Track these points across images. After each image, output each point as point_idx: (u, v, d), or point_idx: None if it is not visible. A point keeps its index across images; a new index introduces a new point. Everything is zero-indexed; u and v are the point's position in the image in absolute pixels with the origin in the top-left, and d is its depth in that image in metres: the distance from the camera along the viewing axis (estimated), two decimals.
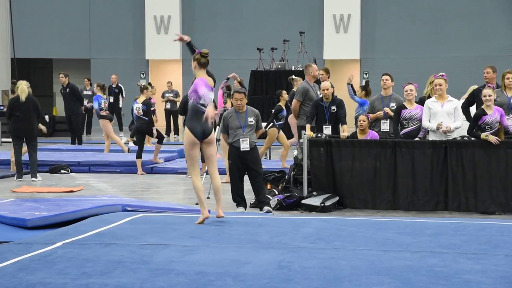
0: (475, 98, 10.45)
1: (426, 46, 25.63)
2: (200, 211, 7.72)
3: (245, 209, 9.16)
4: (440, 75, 9.75)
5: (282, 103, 13.81)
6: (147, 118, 13.49)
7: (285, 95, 14.53)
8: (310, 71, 11.50)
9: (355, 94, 12.46)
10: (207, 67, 7.78)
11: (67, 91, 17.35)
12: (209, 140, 7.64)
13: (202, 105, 7.56)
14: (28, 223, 7.72)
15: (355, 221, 8.16)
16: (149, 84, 20.22)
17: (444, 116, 9.49)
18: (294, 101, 11.46)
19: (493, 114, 9.20)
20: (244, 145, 9.04)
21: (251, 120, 9.10)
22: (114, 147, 16.30)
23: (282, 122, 13.60)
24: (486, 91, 9.26)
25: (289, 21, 26.04)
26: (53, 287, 5.16)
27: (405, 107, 9.85)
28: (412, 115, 9.77)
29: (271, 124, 13.35)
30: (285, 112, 14.23)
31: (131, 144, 18.91)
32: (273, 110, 15.16)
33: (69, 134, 21.22)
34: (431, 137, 9.58)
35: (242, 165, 9.11)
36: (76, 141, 17.92)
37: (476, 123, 9.27)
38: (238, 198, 9.17)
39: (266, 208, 9.06)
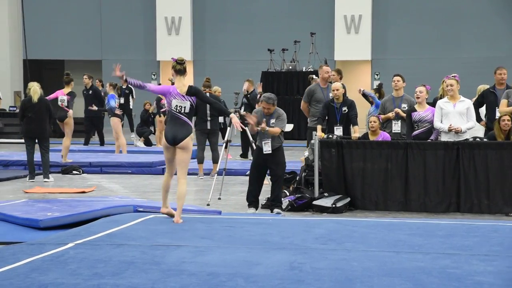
0: (484, 99, 10.43)
1: (437, 47, 25.55)
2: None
3: (256, 210, 9.15)
4: (452, 76, 9.72)
5: None
6: None
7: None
8: (319, 72, 11.49)
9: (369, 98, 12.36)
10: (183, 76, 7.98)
11: (90, 92, 17.36)
12: (181, 146, 7.71)
13: (177, 111, 7.71)
14: (40, 223, 7.75)
15: (366, 222, 8.14)
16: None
17: (456, 117, 9.45)
18: (302, 102, 11.45)
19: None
20: (266, 148, 9.03)
21: (273, 122, 9.07)
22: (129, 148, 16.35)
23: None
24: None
25: (300, 22, 26.02)
26: None
27: (415, 110, 9.84)
28: (422, 118, 9.75)
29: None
30: None
31: (141, 144, 18.99)
32: None
33: (82, 135, 21.28)
34: (443, 138, 9.55)
35: (263, 165, 9.12)
36: (99, 142, 18.08)
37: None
38: (252, 199, 9.17)
39: (276, 210, 9.06)
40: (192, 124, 7.80)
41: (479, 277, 5.55)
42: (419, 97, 9.81)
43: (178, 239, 6.91)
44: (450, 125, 9.38)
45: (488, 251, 6.51)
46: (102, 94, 18.26)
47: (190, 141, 7.72)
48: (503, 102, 9.79)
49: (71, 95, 14.54)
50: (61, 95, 14.54)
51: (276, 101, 9.14)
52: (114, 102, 15.84)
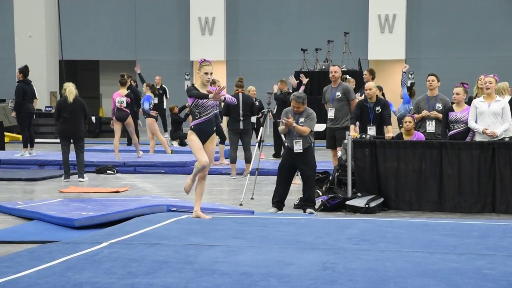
0: None
1: (472, 46, 25.28)
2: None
3: (278, 211, 9.09)
4: (491, 75, 9.60)
5: None
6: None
7: (352, 82, 14.73)
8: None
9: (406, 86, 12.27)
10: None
11: (128, 92, 17.48)
12: None
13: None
14: (75, 223, 7.84)
15: (400, 223, 8.08)
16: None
17: (490, 117, 9.34)
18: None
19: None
20: (297, 147, 9.00)
21: (302, 121, 9.05)
22: (158, 148, 16.46)
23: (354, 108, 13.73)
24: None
25: (334, 21, 25.94)
26: (99, 287, 5.22)
27: (452, 110, 9.74)
28: (458, 118, 9.65)
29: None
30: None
31: (176, 144, 19.08)
32: None
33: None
34: (478, 137, 9.44)
35: (291, 166, 9.09)
36: (127, 142, 18.12)
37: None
38: (277, 198, 9.13)
39: (308, 210, 9.04)
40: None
41: None
42: (456, 99, 9.71)
43: (211, 239, 6.94)
44: (486, 129, 9.26)
45: None
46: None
47: (188, 137, 7.92)
48: None
49: (130, 96, 14.73)
50: (118, 96, 14.72)
51: (305, 100, 9.12)
52: (148, 104, 15.91)
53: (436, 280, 5.43)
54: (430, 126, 10.30)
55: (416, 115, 10.31)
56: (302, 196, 9.31)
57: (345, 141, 9.89)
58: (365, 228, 7.67)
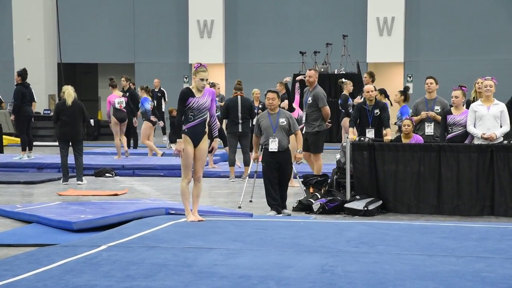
0: None
1: (471, 49, 25.31)
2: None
3: (277, 213, 9.07)
4: (489, 78, 9.60)
5: (346, 92, 14.50)
6: None
7: (349, 85, 14.86)
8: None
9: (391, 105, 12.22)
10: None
11: (127, 95, 17.50)
12: None
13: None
14: (74, 225, 7.84)
15: (399, 225, 8.09)
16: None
17: (490, 119, 9.35)
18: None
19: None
20: (272, 146, 8.99)
21: (282, 121, 9.04)
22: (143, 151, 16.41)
23: (349, 110, 13.82)
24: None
25: (332, 24, 25.97)
26: None
27: (450, 113, 9.75)
28: (456, 121, 9.66)
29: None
30: (351, 100, 14.35)
31: (174, 147, 19.07)
32: (340, 101, 15.28)
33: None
34: (477, 140, 9.45)
35: (275, 167, 9.04)
36: (132, 145, 18.12)
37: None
38: (272, 202, 9.09)
39: (285, 211, 9.11)
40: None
41: None
42: (454, 102, 9.72)
43: (210, 242, 6.94)
44: (483, 134, 9.27)
45: None
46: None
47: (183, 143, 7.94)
48: None
49: (126, 96, 15.00)
50: (117, 98, 14.93)
51: (279, 94, 9.26)
52: (148, 105, 15.93)
53: (434, 283, 5.43)
54: (429, 129, 10.31)
55: (414, 118, 10.32)
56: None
57: (344, 143, 9.89)
58: (364, 231, 7.67)
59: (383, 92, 15.46)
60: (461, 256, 6.34)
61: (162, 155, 15.80)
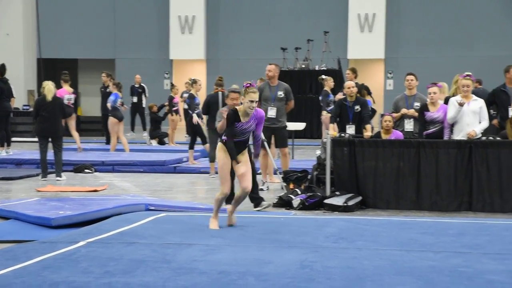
0: (496, 98, 10.40)
1: (451, 45, 25.46)
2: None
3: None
4: (466, 75, 9.67)
5: (327, 88, 14.62)
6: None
7: (330, 81, 14.97)
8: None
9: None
10: None
11: (107, 91, 17.41)
12: None
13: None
14: (52, 222, 7.81)
15: (378, 221, 8.14)
16: (172, 84, 20.32)
17: (470, 115, 9.43)
18: None
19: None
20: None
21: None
22: (135, 147, 16.40)
23: (330, 106, 13.87)
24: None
25: (313, 20, 26.01)
26: (76, 286, 5.21)
27: (427, 109, 9.80)
28: (434, 118, 9.72)
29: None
30: (332, 96, 14.40)
31: (155, 143, 19.04)
32: (320, 97, 15.35)
33: (97, 134, 21.38)
34: (456, 136, 9.52)
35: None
36: (106, 141, 18.04)
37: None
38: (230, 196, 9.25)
39: (265, 203, 9.22)
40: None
41: (490, 275, 5.54)
42: (433, 98, 9.76)
43: (189, 238, 6.94)
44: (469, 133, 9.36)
45: (500, 249, 6.50)
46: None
47: (217, 151, 7.49)
48: None
49: (76, 93, 14.99)
50: (67, 94, 14.94)
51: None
52: (115, 100, 15.79)
53: (412, 278, 5.48)
54: (409, 125, 10.37)
55: (394, 114, 10.38)
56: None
57: (324, 139, 9.91)
58: (343, 226, 7.71)
59: (365, 88, 15.60)
60: (438, 252, 6.40)
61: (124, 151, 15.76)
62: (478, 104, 9.49)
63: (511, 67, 10.57)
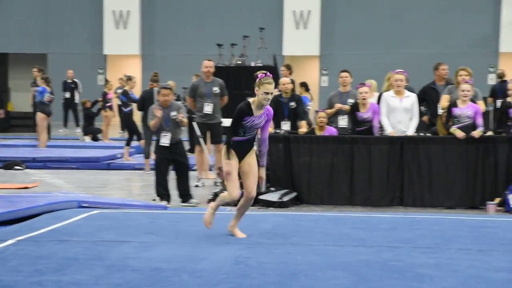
0: (426, 95, 10.62)
1: (385, 43, 25.87)
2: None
3: (169, 203, 9.27)
4: (399, 71, 9.83)
5: None
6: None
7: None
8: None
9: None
10: None
11: (37, 86, 17.04)
12: None
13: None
14: None
15: (312, 217, 8.21)
16: (106, 80, 20.06)
17: (402, 112, 9.60)
18: (187, 98, 11.64)
19: (465, 108, 9.30)
20: (164, 140, 9.30)
21: (173, 114, 9.34)
22: (70, 143, 16.13)
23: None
24: (464, 86, 9.34)
25: (249, 17, 26.04)
26: (5, 285, 5.09)
27: (358, 109, 9.92)
28: (364, 119, 9.85)
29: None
30: None
31: (88, 139, 18.76)
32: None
33: (28, 130, 20.92)
34: (387, 125, 9.68)
35: (168, 160, 9.35)
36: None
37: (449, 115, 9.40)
38: (163, 192, 9.37)
39: (193, 201, 9.35)
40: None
41: (420, 269, 5.65)
42: (365, 98, 9.88)
43: (123, 235, 6.87)
44: (392, 131, 9.52)
45: (430, 243, 6.64)
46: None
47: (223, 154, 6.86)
48: (445, 97, 9.98)
49: None
50: None
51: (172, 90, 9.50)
52: (43, 96, 15.50)
53: (345, 272, 5.54)
54: (343, 121, 10.49)
55: (328, 110, 10.48)
56: (179, 188, 9.47)
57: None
58: (278, 222, 7.76)
59: (304, 85, 15.77)
60: (371, 246, 6.49)
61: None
62: (410, 101, 9.66)
63: (440, 64, 10.81)
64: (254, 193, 6.89)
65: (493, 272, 5.54)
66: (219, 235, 6.95)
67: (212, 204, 7.08)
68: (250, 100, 6.62)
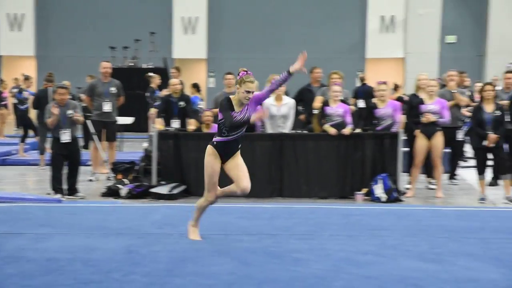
0: (302, 96, 10.88)
1: (266, 48, 26.21)
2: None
3: (63, 196, 9.09)
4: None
5: (154, 85, 14.67)
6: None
7: (156, 79, 14.99)
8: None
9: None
10: None
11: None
12: None
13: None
14: None
15: None
16: (0, 79, 19.28)
17: (281, 119, 9.80)
18: (84, 96, 11.50)
19: (336, 108, 9.55)
20: (64, 137, 9.13)
21: (69, 112, 9.19)
22: None
23: (156, 102, 13.80)
24: (335, 88, 9.59)
25: (141, 21, 25.71)
26: None
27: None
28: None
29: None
30: (159, 93, 14.37)
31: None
32: (147, 93, 15.26)
33: None
34: (269, 130, 9.83)
35: (64, 156, 9.18)
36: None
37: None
38: (58, 186, 9.19)
39: (80, 195, 9.20)
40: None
41: (296, 254, 5.79)
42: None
43: (18, 227, 6.65)
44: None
45: (305, 231, 6.80)
46: None
47: (206, 155, 6.26)
48: (319, 98, 10.24)
49: None
50: None
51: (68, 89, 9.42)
52: None
53: (229, 259, 5.60)
54: None
55: (214, 110, 10.50)
56: (68, 181, 9.29)
57: (151, 133, 9.87)
58: (168, 213, 7.73)
59: (195, 86, 15.92)
60: (253, 234, 6.58)
61: None
62: (288, 107, 9.81)
63: (314, 68, 11.11)
64: (248, 189, 6.20)
65: (360, 255, 5.75)
66: (112, 226, 6.85)
67: (191, 222, 6.40)
68: (231, 97, 6.11)
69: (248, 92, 6.00)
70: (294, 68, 6.14)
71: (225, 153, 6.16)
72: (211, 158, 6.16)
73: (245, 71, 6.03)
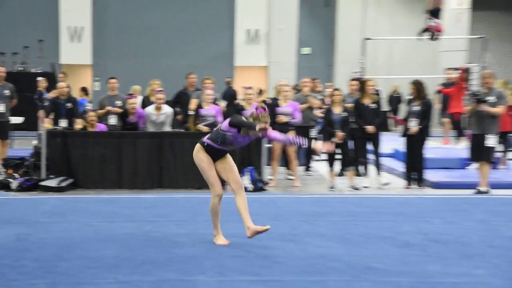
0: (180, 98, 10.88)
1: (148, 54, 25.85)
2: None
3: None
4: (160, 91, 9.86)
5: (41, 88, 14.29)
6: None
7: (43, 82, 14.56)
8: None
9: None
10: None
11: None
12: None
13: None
14: None
15: (86, 199, 8.02)
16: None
17: (158, 125, 9.73)
18: None
19: (209, 109, 9.60)
20: None
21: None
22: None
23: (45, 103, 13.30)
24: (208, 92, 9.62)
25: (29, 30, 24.59)
26: None
27: (127, 115, 9.86)
28: (133, 123, 9.73)
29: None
30: (46, 95, 13.86)
31: None
32: (36, 95, 14.80)
33: None
34: (150, 129, 9.74)
35: None
36: None
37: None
38: None
39: None
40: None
41: (174, 238, 5.79)
42: (134, 108, 9.75)
43: None
44: None
45: (181, 217, 6.82)
46: None
47: (197, 153, 5.70)
48: (194, 101, 10.24)
49: None
50: None
51: None
52: None
53: (113, 244, 5.51)
54: (112, 120, 10.35)
55: (99, 111, 10.27)
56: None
57: (40, 131, 9.49)
58: (57, 204, 7.47)
59: (84, 89, 15.62)
60: (135, 221, 6.51)
61: None
62: (166, 115, 9.75)
63: (190, 74, 11.16)
64: (237, 183, 5.62)
65: (230, 237, 5.82)
66: (2, 217, 6.53)
67: (215, 232, 5.69)
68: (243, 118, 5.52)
69: (262, 129, 5.32)
70: (313, 146, 5.92)
71: (212, 156, 5.62)
72: (202, 155, 5.60)
73: (263, 108, 5.41)
